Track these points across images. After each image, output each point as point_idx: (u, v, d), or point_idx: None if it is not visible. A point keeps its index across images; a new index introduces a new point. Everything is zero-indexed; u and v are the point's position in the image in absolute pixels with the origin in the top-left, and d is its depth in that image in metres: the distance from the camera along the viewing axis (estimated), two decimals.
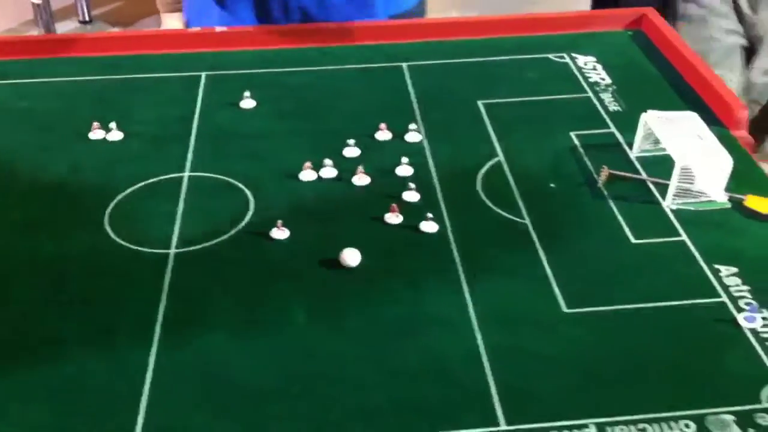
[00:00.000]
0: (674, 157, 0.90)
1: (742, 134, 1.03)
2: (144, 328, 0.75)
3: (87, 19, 3.11)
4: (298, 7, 1.31)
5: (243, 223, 0.88)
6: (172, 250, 0.85)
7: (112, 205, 0.91)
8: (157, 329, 0.75)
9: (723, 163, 0.90)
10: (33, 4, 2.75)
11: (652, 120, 0.96)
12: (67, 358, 0.72)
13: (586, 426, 0.66)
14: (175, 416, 0.67)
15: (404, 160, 0.97)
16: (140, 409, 0.67)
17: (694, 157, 0.89)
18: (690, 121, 0.96)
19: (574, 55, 1.23)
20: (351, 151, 1.00)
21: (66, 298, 0.79)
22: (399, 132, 1.04)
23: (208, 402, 0.68)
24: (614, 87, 1.14)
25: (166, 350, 0.73)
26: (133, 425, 0.66)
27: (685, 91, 1.13)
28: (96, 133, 1.03)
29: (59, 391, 0.69)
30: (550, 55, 1.23)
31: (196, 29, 1.27)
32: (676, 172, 0.89)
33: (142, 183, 0.95)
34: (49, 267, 0.83)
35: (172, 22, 1.46)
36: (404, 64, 1.20)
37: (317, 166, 0.96)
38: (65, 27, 3.04)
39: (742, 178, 0.94)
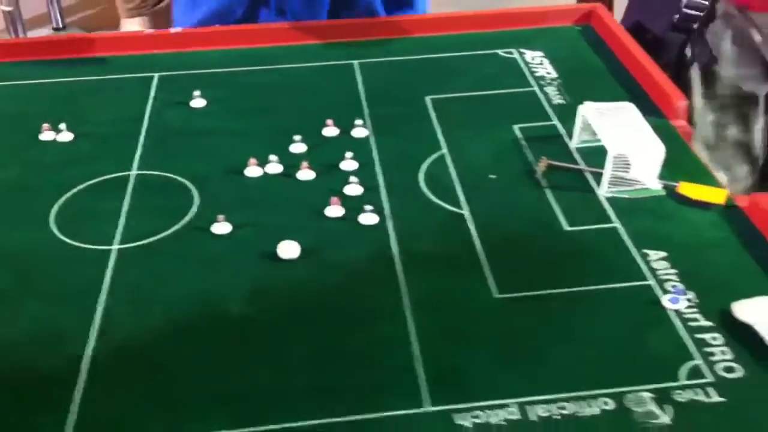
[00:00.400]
0: (607, 146, 0.92)
1: (680, 123, 1.05)
2: (83, 322, 0.77)
3: (60, 26, 3.12)
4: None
5: (186, 220, 0.90)
6: (115, 247, 0.86)
7: (58, 203, 0.93)
8: (96, 323, 0.77)
9: (655, 151, 0.92)
10: (3, 11, 2.75)
11: (589, 111, 0.99)
12: (3, 351, 0.74)
13: (507, 405, 0.68)
14: (111, 408, 0.69)
15: (348, 155, 0.99)
16: (75, 399, 0.69)
17: (626, 146, 0.92)
18: (626, 111, 0.98)
19: (522, 50, 1.25)
20: (297, 147, 1.02)
21: (4, 294, 0.81)
22: (345, 128, 1.06)
23: (144, 393, 0.70)
24: (559, 81, 1.16)
25: (104, 343, 0.75)
26: (65, 416, 0.68)
27: (628, 83, 1.15)
28: (46, 135, 1.04)
29: None
30: (499, 51, 1.25)
31: (149, 31, 1.28)
32: (609, 161, 0.92)
33: (90, 182, 0.97)
34: None
35: (132, 26, 1.47)
36: (355, 62, 1.23)
37: (263, 162, 0.98)
38: (38, 34, 3.05)
39: (678, 166, 0.96)
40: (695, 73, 1.34)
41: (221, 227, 0.88)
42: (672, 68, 1.35)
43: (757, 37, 1.27)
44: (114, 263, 0.84)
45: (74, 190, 0.95)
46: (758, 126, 1.33)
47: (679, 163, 0.97)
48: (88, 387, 0.70)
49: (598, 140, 0.99)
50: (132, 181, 0.97)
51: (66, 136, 1.04)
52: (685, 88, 1.36)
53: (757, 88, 1.31)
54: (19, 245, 0.87)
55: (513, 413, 0.67)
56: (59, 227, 0.89)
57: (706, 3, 1.32)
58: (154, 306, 0.79)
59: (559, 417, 0.67)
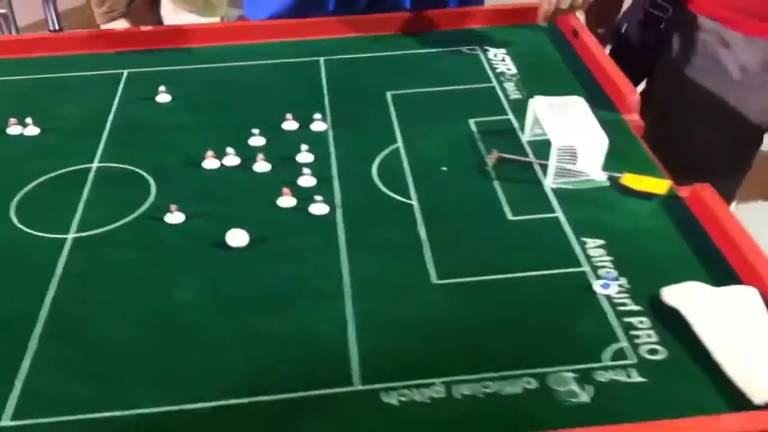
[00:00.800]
0: (552, 139, 0.94)
1: (633, 117, 1.07)
2: (34, 306, 0.80)
3: (57, 28, 3.16)
4: None
5: (142, 210, 0.93)
6: (70, 236, 0.89)
7: (20, 194, 0.96)
8: (46, 307, 0.80)
9: (599, 143, 0.94)
10: None
11: (539, 105, 1.01)
12: None
13: (433, 384, 0.71)
14: (52, 384, 0.72)
15: (304, 147, 1.02)
16: (20, 377, 0.72)
17: (570, 139, 0.94)
18: (575, 105, 1.00)
19: (486, 47, 1.28)
20: (256, 140, 1.05)
21: None
22: (305, 122, 1.08)
23: (83, 373, 0.73)
24: (519, 77, 1.19)
25: (50, 326, 0.78)
26: (9, 389, 0.71)
27: (586, 79, 1.17)
28: (13, 129, 1.07)
29: None
30: (464, 48, 1.28)
31: (119, 29, 1.31)
32: (553, 153, 0.94)
33: (52, 174, 0.99)
34: None
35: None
36: (321, 59, 1.25)
37: (220, 155, 1.01)
38: None
39: (626, 158, 0.98)
40: None
41: (174, 217, 0.91)
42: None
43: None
44: (68, 251, 0.87)
45: (36, 182, 0.98)
46: None
47: (627, 155, 0.99)
48: (33, 366, 0.73)
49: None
50: (93, 173, 1.00)
51: (32, 131, 1.07)
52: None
53: None
54: None
55: (439, 392, 0.70)
56: (19, 217, 0.92)
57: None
58: (102, 292, 0.81)
59: (482, 395, 0.69)
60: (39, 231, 0.90)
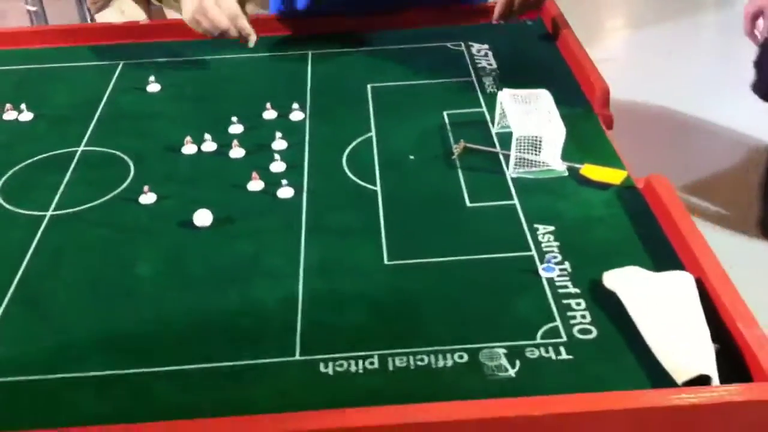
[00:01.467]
0: (513, 129, 0.97)
1: (602, 111, 1.10)
2: (5, 277, 0.85)
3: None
4: None
5: (118, 191, 0.98)
6: (48, 213, 0.94)
7: (7, 174, 1.01)
8: (17, 278, 0.85)
9: (557, 134, 0.97)
10: (28, 11, 2.88)
11: (506, 98, 1.04)
12: None
13: (371, 356, 0.74)
14: (15, 349, 0.77)
15: (278, 135, 1.06)
16: None
17: (530, 129, 0.97)
18: (540, 97, 1.03)
19: (470, 43, 1.31)
20: (235, 128, 1.09)
21: None
22: (284, 112, 1.12)
23: (45, 340, 0.78)
24: (497, 72, 1.22)
25: (18, 296, 0.83)
26: None
27: (563, 74, 1.20)
28: (9, 114, 1.13)
29: None
30: (448, 44, 1.31)
31: (118, 23, 1.37)
32: (514, 143, 0.97)
33: (40, 156, 1.05)
34: None
35: (106, 17, 1.56)
36: (309, 53, 1.29)
37: (198, 142, 1.06)
38: None
39: (590, 150, 1.01)
40: None
41: (147, 198, 0.95)
42: None
43: None
44: (44, 228, 0.92)
45: (24, 163, 1.03)
46: None
47: (592, 147, 1.02)
48: None
49: None
50: (78, 156, 1.05)
51: (26, 116, 1.13)
52: None
53: None
54: None
55: (373, 363, 0.73)
56: (3, 195, 0.98)
57: None
58: (70, 266, 0.86)
59: (413, 367, 0.73)
60: (20, 208, 0.95)
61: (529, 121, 0.98)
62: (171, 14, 1.98)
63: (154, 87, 1.19)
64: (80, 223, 0.93)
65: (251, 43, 1.21)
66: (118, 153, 1.05)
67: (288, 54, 1.30)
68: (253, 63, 1.27)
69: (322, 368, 0.73)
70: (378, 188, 0.97)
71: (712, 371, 0.69)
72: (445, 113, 1.12)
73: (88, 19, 3.30)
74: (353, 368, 0.73)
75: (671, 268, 0.82)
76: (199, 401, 0.71)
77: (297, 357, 0.74)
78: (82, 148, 1.06)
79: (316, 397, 0.70)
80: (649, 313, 0.76)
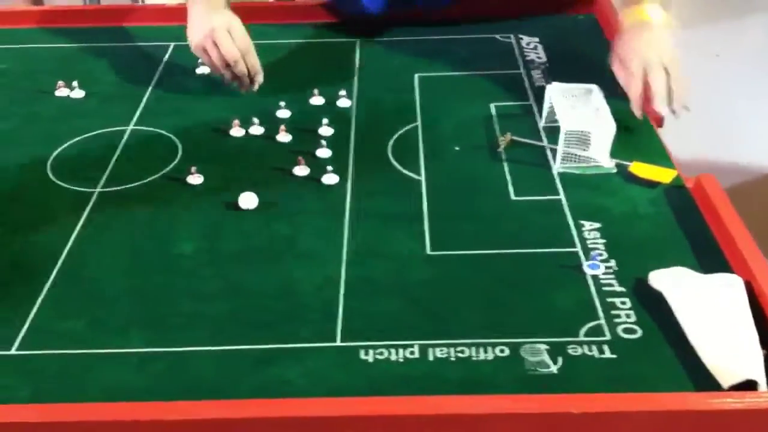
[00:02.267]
0: (561, 123, 0.96)
1: (653, 109, 1.08)
2: (56, 249, 0.86)
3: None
4: None
5: (166, 170, 0.99)
6: (97, 190, 0.96)
7: (58, 150, 1.03)
8: (64, 252, 0.86)
9: (607, 130, 0.95)
10: None
11: (554, 92, 1.03)
12: None
13: (411, 346, 0.74)
14: (57, 322, 0.78)
15: (325, 121, 1.06)
16: (31, 312, 0.79)
17: (578, 124, 0.95)
18: (590, 92, 1.02)
19: (520, 36, 1.29)
20: (282, 113, 1.09)
21: None
22: (331, 98, 1.12)
23: (86, 313, 0.79)
24: (546, 65, 1.20)
25: (64, 270, 0.84)
26: (23, 324, 0.77)
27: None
28: (61, 91, 1.15)
29: None
30: (497, 36, 1.30)
31: (170, 4, 1.38)
32: (561, 138, 0.96)
33: (91, 133, 1.06)
34: None
35: None
36: (358, 40, 1.29)
37: (247, 125, 1.06)
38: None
39: (642, 148, 1.00)
40: None
41: (194, 179, 0.96)
42: None
43: None
44: (92, 204, 0.93)
45: (74, 140, 1.05)
46: None
47: (641, 145, 1.00)
48: (43, 303, 0.80)
49: None
50: (127, 134, 1.06)
51: (78, 93, 1.15)
52: None
53: None
54: (17, 184, 0.97)
55: (413, 353, 0.73)
56: (53, 171, 0.99)
57: None
58: (115, 242, 0.88)
59: (454, 359, 0.72)
60: (69, 184, 0.97)
61: (579, 116, 0.97)
62: None
63: (203, 69, 1.20)
64: (128, 201, 0.94)
65: (256, 86, 1.10)
66: (166, 133, 1.06)
67: (336, 41, 1.30)
68: (301, 49, 1.28)
69: (362, 355, 0.73)
70: (422, 178, 0.97)
71: (760, 376, 0.68)
72: (492, 105, 1.11)
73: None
74: (393, 357, 0.73)
75: (719, 270, 0.80)
76: (236, 382, 0.71)
77: (338, 343, 0.75)
78: (131, 126, 1.08)
79: (357, 383, 0.70)
80: (696, 315, 0.74)
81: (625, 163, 0.96)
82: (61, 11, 1.38)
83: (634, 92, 1.01)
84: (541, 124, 1.06)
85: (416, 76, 1.19)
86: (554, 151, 0.99)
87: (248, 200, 0.92)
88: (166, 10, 1.37)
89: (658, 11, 1.07)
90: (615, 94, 1.04)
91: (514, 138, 1.02)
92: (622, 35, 1.08)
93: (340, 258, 0.85)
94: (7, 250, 0.87)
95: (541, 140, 1.03)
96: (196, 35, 1.09)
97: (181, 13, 1.34)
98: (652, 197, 0.91)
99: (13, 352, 0.74)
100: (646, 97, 1.02)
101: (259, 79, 1.11)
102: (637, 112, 1.02)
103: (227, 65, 1.08)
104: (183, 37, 1.28)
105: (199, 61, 1.20)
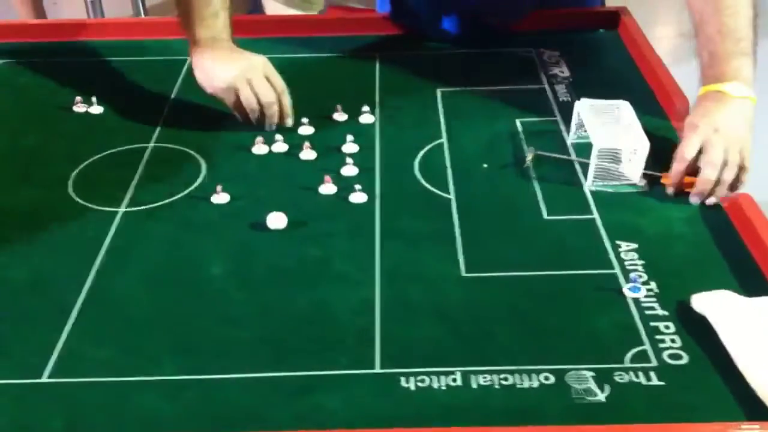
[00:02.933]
0: (593, 141, 0.95)
1: (682, 125, 1.06)
2: (81, 273, 0.84)
3: (142, 12, 3.25)
4: None
5: (190, 189, 0.97)
6: (121, 209, 0.94)
7: (79, 168, 1.01)
8: (91, 276, 0.84)
9: (641, 148, 0.94)
10: (85, 0, 2.90)
11: (583, 108, 1.01)
12: (3, 293, 0.82)
13: (452, 373, 0.72)
14: (87, 348, 0.76)
15: (349, 138, 1.04)
16: (61, 338, 0.77)
17: (611, 142, 0.94)
18: (620, 109, 1.00)
19: (542, 50, 1.28)
20: (305, 129, 1.08)
21: (15, 242, 0.89)
22: (354, 114, 1.11)
23: (114, 339, 0.77)
24: (571, 80, 1.19)
25: (92, 293, 0.82)
26: (52, 350, 0.75)
27: (638, 85, 1.17)
28: (79, 107, 1.13)
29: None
30: (519, 50, 1.28)
31: None
32: (594, 155, 0.94)
33: (111, 150, 1.04)
34: (4, 217, 0.93)
35: None
36: (378, 54, 1.28)
37: (270, 142, 1.04)
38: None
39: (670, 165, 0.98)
40: None
41: (219, 198, 0.94)
42: None
43: None
44: (117, 224, 0.91)
45: (95, 157, 1.03)
46: None
47: (672, 162, 0.99)
48: (73, 329, 0.78)
49: None
50: (148, 152, 1.04)
51: (96, 110, 1.13)
52: None
53: None
54: (38, 202, 0.95)
55: (455, 380, 0.71)
56: (76, 189, 0.97)
57: None
58: (142, 263, 0.86)
59: (498, 387, 0.71)
60: (93, 204, 0.95)
61: (610, 132, 0.96)
62: (269, 8, 1.94)
63: None
64: (152, 221, 0.92)
65: (289, 122, 1.06)
66: (188, 150, 1.04)
67: (356, 55, 1.28)
68: (321, 63, 1.26)
69: (403, 383, 0.71)
70: (452, 196, 0.95)
71: None
72: (518, 121, 1.09)
73: (141, 10, 3.32)
74: (435, 384, 0.71)
75: (761, 292, 0.79)
76: (273, 411, 0.69)
77: (377, 369, 0.73)
78: (152, 144, 1.06)
79: (401, 413, 0.68)
80: (742, 340, 0.73)
81: (656, 174, 0.95)
82: (76, 25, 1.36)
83: (675, 170, 0.92)
84: (570, 140, 1.05)
85: (438, 91, 1.17)
86: (583, 168, 0.98)
87: (277, 220, 0.90)
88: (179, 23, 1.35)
89: (739, 86, 0.95)
90: (641, 110, 1.02)
91: (541, 153, 1.00)
92: (697, 102, 0.98)
93: (374, 280, 0.83)
94: (29, 272, 0.85)
95: (570, 155, 1.01)
96: (223, 75, 1.05)
97: None
98: (688, 216, 0.90)
99: (44, 380, 0.72)
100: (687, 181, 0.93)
101: (289, 122, 1.07)
102: (669, 189, 0.93)
103: (253, 110, 1.05)
104: None
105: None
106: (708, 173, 0.90)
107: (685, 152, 0.92)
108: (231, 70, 1.05)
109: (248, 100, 1.05)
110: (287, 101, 1.07)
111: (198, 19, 1.08)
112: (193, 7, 1.09)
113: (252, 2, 2.33)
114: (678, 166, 0.92)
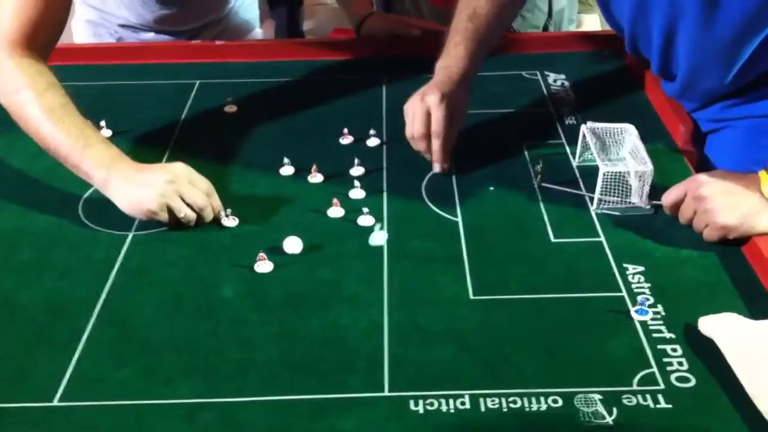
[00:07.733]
0: (599, 164, 0.95)
1: (687, 148, 1.07)
2: (91, 296, 0.85)
3: None
4: None
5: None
6: (131, 233, 0.94)
7: (89, 192, 1.01)
8: (102, 297, 0.85)
9: (645, 171, 0.94)
10: None
11: (590, 131, 1.02)
12: (16, 315, 0.83)
13: (461, 396, 0.72)
14: (99, 370, 0.77)
15: (356, 161, 1.05)
16: (72, 360, 0.77)
17: (617, 165, 0.95)
18: (625, 132, 1.01)
19: (546, 72, 1.29)
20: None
21: (27, 265, 0.90)
22: (361, 137, 1.12)
23: (127, 361, 0.78)
24: (576, 103, 1.20)
25: (103, 316, 0.83)
26: (64, 373, 0.76)
27: (643, 108, 1.18)
28: None
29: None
30: (524, 73, 1.30)
31: (195, 42, 1.38)
32: (599, 179, 0.95)
33: None
34: (16, 239, 0.94)
35: None
36: (384, 77, 1.29)
37: (278, 165, 1.05)
38: None
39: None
40: None
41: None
42: None
43: None
44: (127, 247, 0.92)
45: None
46: None
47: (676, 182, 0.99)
48: (85, 351, 0.78)
49: None
50: None
51: (105, 133, 1.14)
52: None
53: None
54: (48, 226, 0.96)
55: (464, 403, 0.72)
56: (86, 213, 0.98)
57: None
58: (154, 286, 0.86)
59: (506, 410, 0.71)
60: (103, 227, 0.95)
61: (615, 156, 0.97)
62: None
63: (230, 108, 1.20)
64: (162, 244, 0.93)
65: (222, 215, 0.95)
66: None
67: (362, 78, 1.29)
68: (327, 86, 1.27)
69: (412, 406, 0.72)
70: (459, 219, 0.96)
71: None
72: (523, 143, 1.10)
73: None
74: (444, 407, 0.71)
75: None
76: None
77: (386, 393, 0.73)
78: None
79: None
80: (750, 363, 0.73)
81: (656, 203, 0.95)
82: (85, 49, 1.38)
83: (669, 198, 0.93)
84: (575, 163, 1.05)
85: None
86: (590, 189, 0.98)
87: (293, 245, 0.90)
88: (190, 47, 1.37)
89: None
90: (647, 134, 1.03)
91: (547, 185, 1.00)
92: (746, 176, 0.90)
93: (383, 305, 0.83)
94: (40, 294, 0.86)
95: (576, 179, 1.02)
96: (151, 195, 0.92)
97: (206, 50, 1.35)
98: (694, 239, 0.90)
99: (55, 403, 0.73)
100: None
101: (222, 215, 0.96)
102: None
103: (192, 216, 0.94)
104: (209, 75, 1.29)
105: (227, 98, 1.20)
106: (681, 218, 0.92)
107: (665, 196, 0.93)
108: (156, 187, 0.93)
109: (184, 212, 0.94)
110: (217, 200, 0.97)
111: (84, 149, 0.96)
112: (72, 141, 0.96)
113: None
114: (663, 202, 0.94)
